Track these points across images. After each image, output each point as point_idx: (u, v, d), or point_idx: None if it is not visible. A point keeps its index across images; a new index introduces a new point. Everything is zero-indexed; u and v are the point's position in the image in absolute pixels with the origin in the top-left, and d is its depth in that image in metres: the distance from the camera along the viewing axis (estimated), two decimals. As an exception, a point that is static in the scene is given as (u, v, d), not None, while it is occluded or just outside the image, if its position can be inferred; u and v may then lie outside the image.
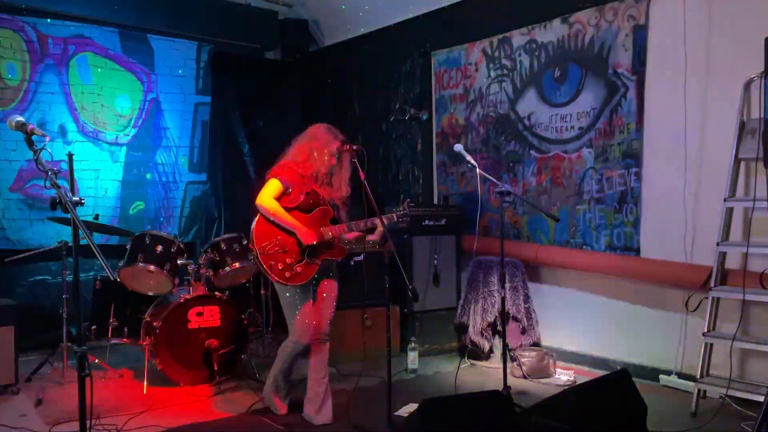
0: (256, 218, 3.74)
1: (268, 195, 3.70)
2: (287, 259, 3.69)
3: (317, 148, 3.77)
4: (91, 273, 5.77)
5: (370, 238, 3.99)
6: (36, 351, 5.23)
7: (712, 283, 4.17)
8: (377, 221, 3.73)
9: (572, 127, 5.17)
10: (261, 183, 3.81)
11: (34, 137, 2.39)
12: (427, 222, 5.64)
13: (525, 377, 4.78)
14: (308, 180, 3.78)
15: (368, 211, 3.80)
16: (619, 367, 4.26)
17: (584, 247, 5.10)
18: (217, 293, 4.74)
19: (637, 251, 4.76)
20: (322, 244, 3.78)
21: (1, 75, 5.49)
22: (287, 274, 3.68)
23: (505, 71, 5.68)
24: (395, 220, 3.86)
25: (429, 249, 5.62)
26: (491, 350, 5.23)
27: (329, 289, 3.94)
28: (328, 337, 3.91)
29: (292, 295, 3.78)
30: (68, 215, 2.37)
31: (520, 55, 5.55)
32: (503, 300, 4.25)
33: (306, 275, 3.74)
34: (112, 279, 4.85)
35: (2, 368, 4.39)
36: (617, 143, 4.86)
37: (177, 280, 4.81)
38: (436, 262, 5.64)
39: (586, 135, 5.07)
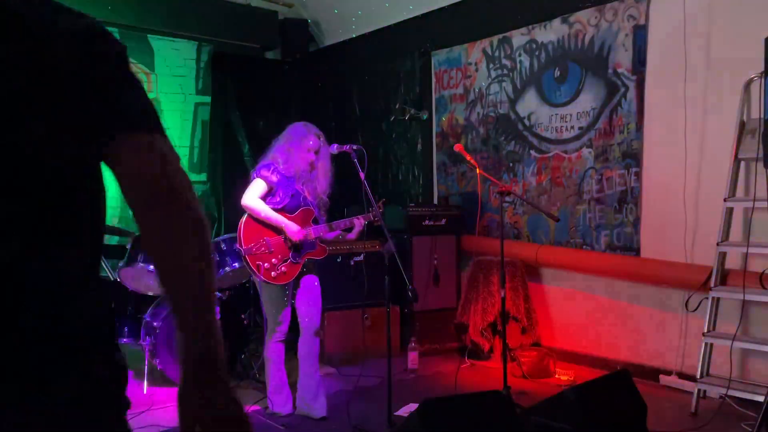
0: (243, 218, 3.84)
1: (252, 194, 3.82)
2: (273, 259, 3.78)
3: (294, 146, 3.87)
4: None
5: (349, 236, 4.06)
6: (36, 351, 5.23)
7: (712, 283, 4.17)
8: (355, 221, 3.91)
9: (572, 127, 5.16)
10: (247, 183, 3.90)
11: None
12: (427, 222, 5.64)
13: (525, 377, 4.79)
14: (291, 181, 3.88)
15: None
16: (619, 367, 4.26)
17: (584, 247, 5.10)
18: (217, 293, 4.74)
19: (637, 251, 4.76)
20: (306, 244, 3.88)
21: (1, 75, 5.49)
22: (273, 274, 3.78)
23: (505, 71, 5.68)
24: (371, 218, 3.94)
25: (429, 249, 5.62)
26: (491, 350, 5.24)
27: (312, 282, 3.99)
28: (320, 331, 3.98)
29: (275, 292, 3.86)
30: (68, 215, 2.36)
31: (520, 55, 5.55)
32: (503, 300, 4.25)
33: (291, 275, 3.84)
34: (112, 279, 4.86)
35: (2, 368, 4.38)
36: (617, 143, 4.86)
37: (177, 280, 4.80)
38: (436, 262, 5.64)
39: (586, 135, 5.07)
